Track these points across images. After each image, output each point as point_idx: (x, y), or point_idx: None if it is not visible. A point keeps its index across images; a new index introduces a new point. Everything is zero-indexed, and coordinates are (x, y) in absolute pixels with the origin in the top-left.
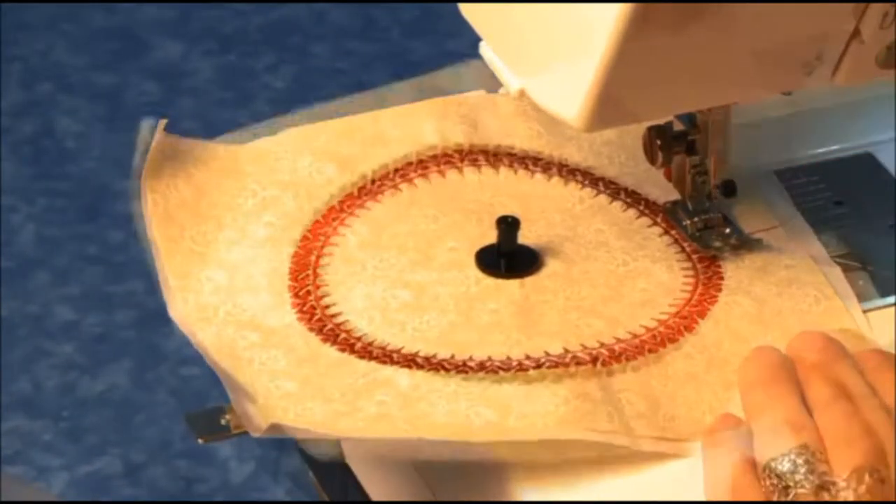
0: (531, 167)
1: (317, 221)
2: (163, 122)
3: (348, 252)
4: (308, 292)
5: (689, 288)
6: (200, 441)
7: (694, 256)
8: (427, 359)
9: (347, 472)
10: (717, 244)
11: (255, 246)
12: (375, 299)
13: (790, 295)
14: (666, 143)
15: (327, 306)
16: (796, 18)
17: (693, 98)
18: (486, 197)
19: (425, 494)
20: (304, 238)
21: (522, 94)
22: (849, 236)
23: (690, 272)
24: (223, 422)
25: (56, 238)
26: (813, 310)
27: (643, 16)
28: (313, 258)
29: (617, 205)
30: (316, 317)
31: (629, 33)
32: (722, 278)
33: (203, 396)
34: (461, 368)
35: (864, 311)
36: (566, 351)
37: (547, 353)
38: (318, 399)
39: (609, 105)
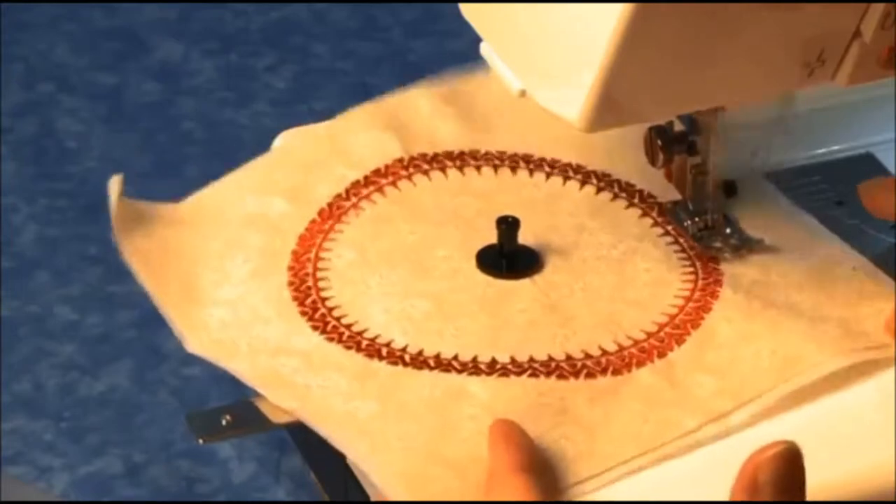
0: (472, 163)
1: (294, 251)
2: (117, 180)
3: (341, 274)
4: (323, 315)
5: (688, 262)
6: (201, 441)
7: (668, 227)
8: (489, 364)
9: (347, 472)
10: (718, 244)
11: (243, 283)
12: (396, 312)
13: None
14: (667, 143)
15: (350, 325)
16: (797, 19)
17: (694, 99)
18: (449, 202)
19: None
20: (290, 268)
21: (523, 94)
22: (849, 237)
23: (678, 249)
24: (224, 422)
25: (57, 238)
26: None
27: (644, 16)
28: (310, 283)
29: (581, 187)
30: (345, 335)
31: (630, 33)
32: (714, 259)
33: (204, 396)
34: (531, 373)
35: None
36: (620, 347)
37: (604, 351)
38: (408, 419)
39: (610, 106)
